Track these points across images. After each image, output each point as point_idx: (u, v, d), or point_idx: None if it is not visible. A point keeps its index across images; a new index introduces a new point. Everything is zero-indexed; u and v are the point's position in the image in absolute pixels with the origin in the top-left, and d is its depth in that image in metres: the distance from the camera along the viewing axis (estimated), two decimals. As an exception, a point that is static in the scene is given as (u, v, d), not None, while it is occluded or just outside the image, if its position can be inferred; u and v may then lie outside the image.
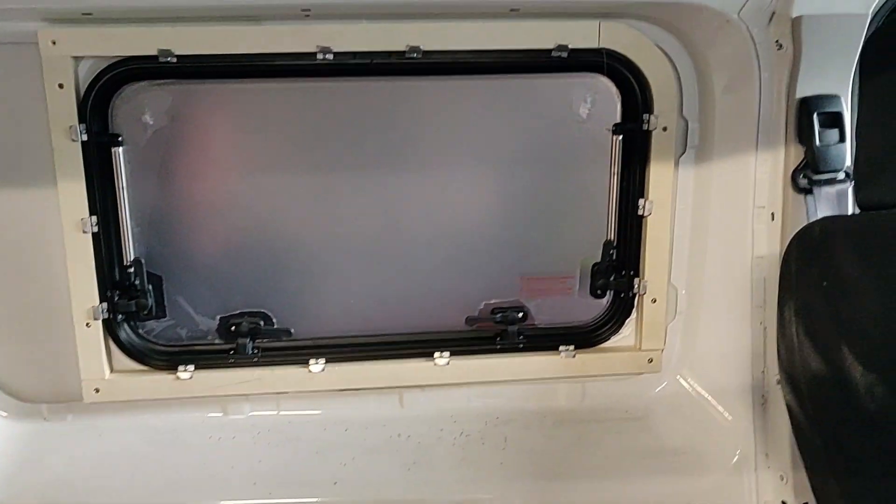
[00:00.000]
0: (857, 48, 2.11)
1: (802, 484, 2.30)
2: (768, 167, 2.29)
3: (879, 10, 2.14)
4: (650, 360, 2.57)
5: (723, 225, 2.43)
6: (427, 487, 2.39)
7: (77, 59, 2.21)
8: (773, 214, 2.30)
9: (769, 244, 2.32)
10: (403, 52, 2.25)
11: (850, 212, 2.20)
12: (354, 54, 2.26)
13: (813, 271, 1.92)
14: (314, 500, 2.36)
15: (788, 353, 2.04)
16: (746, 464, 2.42)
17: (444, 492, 2.39)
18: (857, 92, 2.17)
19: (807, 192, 2.23)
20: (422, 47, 2.25)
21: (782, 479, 2.34)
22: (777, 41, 2.16)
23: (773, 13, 2.13)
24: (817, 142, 2.16)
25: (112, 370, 2.44)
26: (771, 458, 2.38)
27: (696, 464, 2.46)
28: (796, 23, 2.09)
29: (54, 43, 2.17)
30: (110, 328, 2.41)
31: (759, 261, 2.34)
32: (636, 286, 2.52)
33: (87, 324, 2.37)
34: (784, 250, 2.14)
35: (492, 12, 2.24)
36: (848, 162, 2.19)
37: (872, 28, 2.12)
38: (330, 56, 2.24)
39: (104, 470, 2.41)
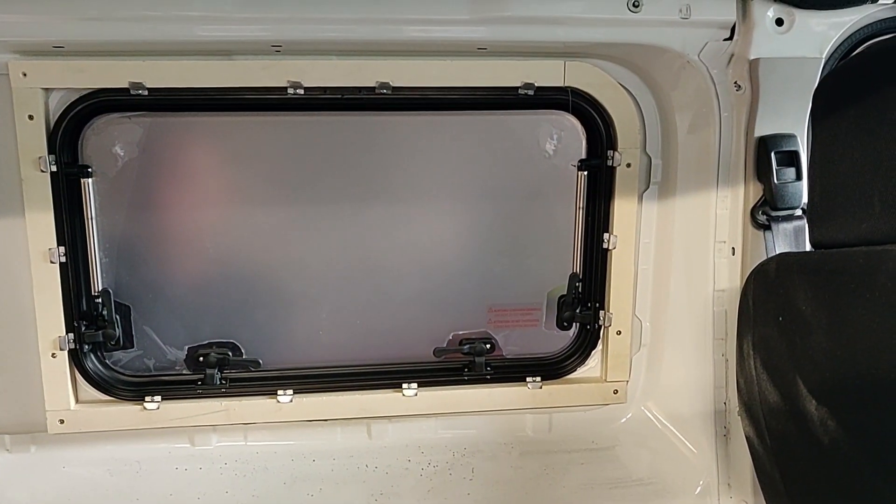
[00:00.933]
0: (812, 89, 2.19)
1: (763, 513, 2.34)
2: (728, 203, 2.35)
3: (832, 54, 2.23)
4: (615, 392, 2.60)
5: (685, 259, 2.48)
6: (394, 519, 2.40)
7: (47, 90, 2.23)
8: (733, 249, 2.36)
9: (730, 278, 2.38)
10: (373, 87, 2.29)
11: (807, 247, 2.27)
12: (325, 89, 2.30)
13: (769, 306, 1.97)
14: (280, 532, 2.36)
15: (748, 386, 2.08)
16: (709, 493, 2.46)
17: (410, 524, 2.40)
18: (809, 132, 2.25)
19: (765, 227, 2.29)
20: (391, 83, 2.29)
21: (744, 509, 2.38)
22: (736, 82, 2.24)
23: (732, 55, 2.21)
24: (775, 179, 2.23)
25: (77, 401, 2.43)
26: (733, 487, 2.42)
27: (661, 493, 2.49)
28: (754, 65, 2.16)
29: (25, 75, 2.18)
30: (76, 358, 2.40)
31: (720, 294, 2.39)
32: (602, 318, 2.56)
33: (53, 354, 2.36)
34: (743, 285, 2.19)
35: (460, 51, 2.29)
36: (805, 199, 2.26)
37: (826, 70, 2.20)
38: (301, 91, 2.28)
39: (68, 502, 2.38)
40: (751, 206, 2.31)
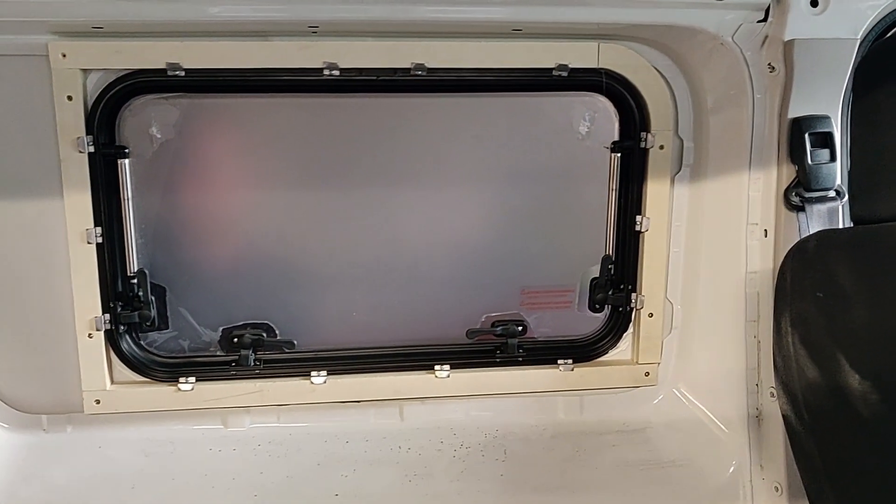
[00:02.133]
0: (847, 71, 2.20)
1: (797, 495, 2.34)
2: (761, 185, 2.36)
3: (867, 34, 2.23)
4: (647, 374, 2.62)
5: (717, 241, 2.49)
6: (428, 499, 2.40)
7: (86, 71, 2.24)
8: (765, 231, 2.36)
9: (762, 260, 2.38)
10: (408, 69, 2.30)
11: (841, 227, 2.27)
12: (360, 70, 2.31)
13: (808, 283, 1.98)
14: (316, 511, 2.37)
15: (785, 364, 2.09)
16: (741, 474, 2.46)
17: (445, 503, 2.40)
18: (849, 111, 2.25)
19: (798, 209, 2.30)
20: (426, 65, 2.30)
21: (777, 490, 2.38)
22: (770, 64, 2.24)
23: (766, 37, 2.21)
24: (809, 161, 2.23)
25: (113, 381, 2.45)
26: (765, 469, 2.43)
27: (693, 475, 2.50)
28: (788, 46, 2.16)
29: (64, 56, 2.19)
30: (112, 339, 2.41)
31: (753, 276, 2.40)
32: (634, 301, 2.57)
33: (90, 335, 2.37)
34: (779, 264, 2.20)
35: (495, 32, 2.31)
36: (838, 180, 2.27)
37: (864, 50, 2.21)
38: (336, 72, 2.29)
39: (104, 482, 2.39)
40: (784, 187, 2.32)
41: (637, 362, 2.62)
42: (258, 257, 2.46)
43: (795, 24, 2.15)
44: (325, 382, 2.49)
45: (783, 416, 2.20)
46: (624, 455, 2.58)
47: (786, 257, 2.12)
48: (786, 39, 2.16)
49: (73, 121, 2.24)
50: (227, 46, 2.24)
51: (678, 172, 2.51)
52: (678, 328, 2.62)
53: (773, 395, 2.36)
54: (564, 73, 2.36)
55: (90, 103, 2.26)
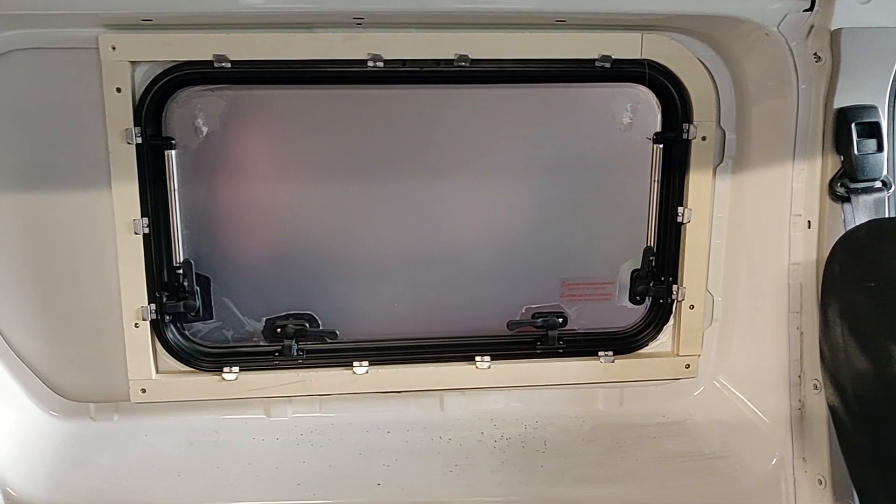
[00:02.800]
0: (895, 60, 2.18)
1: (841, 488, 2.33)
2: (805, 176, 2.34)
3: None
4: (687, 366, 2.61)
5: (759, 233, 2.48)
6: (469, 489, 2.41)
7: (134, 63, 2.27)
8: (809, 222, 2.35)
9: (805, 251, 2.37)
10: (452, 60, 2.31)
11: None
12: (404, 62, 2.32)
13: (858, 273, 1.97)
14: (359, 500, 2.37)
15: (832, 354, 2.07)
16: (784, 467, 2.44)
17: (486, 494, 2.41)
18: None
19: (844, 200, 2.28)
20: (470, 55, 2.31)
21: (820, 484, 2.37)
22: (815, 53, 2.22)
23: (812, 27, 2.20)
24: (855, 151, 2.22)
25: (158, 371, 2.48)
26: (808, 462, 2.41)
27: (734, 467, 2.49)
28: (835, 35, 2.15)
29: (114, 48, 2.22)
30: (158, 329, 2.45)
31: (796, 267, 2.38)
32: (675, 293, 2.56)
33: (136, 324, 2.41)
34: (827, 255, 2.19)
35: (538, 23, 2.31)
36: (885, 170, 2.25)
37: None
38: (380, 63, 2.30)
39: (149, 469, 2.43)
40: (828, 178, 2.30)
41: (678, 354, 2.61)
42: (301, 248, 2.49)
43: (842, 13, 2.14)
44: (366, 373, 2.50)
45: (829, 407, 2.18)
46: (664, 447, 2.57)
47: (834, 247, 2.10)
48: (832, 29, 2.15)
49: (121, 113, 2.27)
50: (272, 38, 2.26)
51: (720, 164, 2.50)
52: (719, 320, 2.61)
53: (816, 388, 2.34)
54: (607, 64, 2.36)
55: (138, 95, 2.29)
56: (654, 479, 2.47)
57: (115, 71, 2.24)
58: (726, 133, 2.47)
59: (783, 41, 2.23)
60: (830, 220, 2.31)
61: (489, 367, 2.54)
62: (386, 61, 2.30)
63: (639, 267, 2.59)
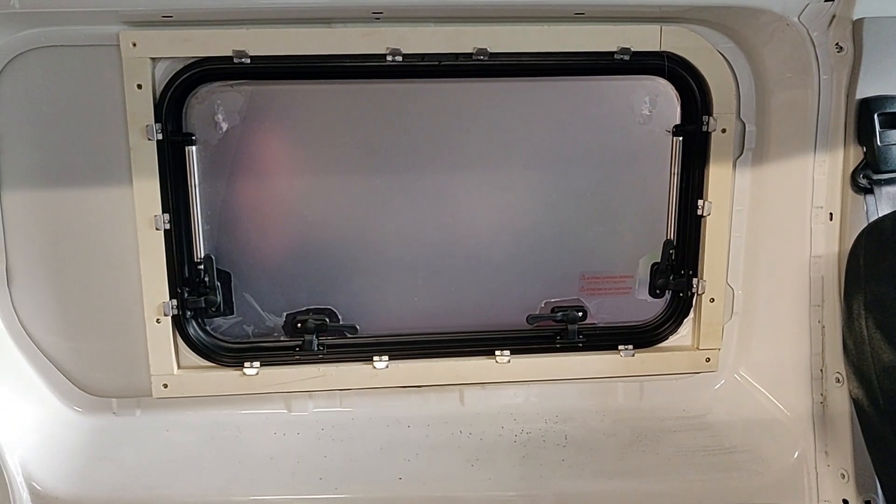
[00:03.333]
0: None
1: (864, 482, 2.32)
2: (826, 168, 2.33)
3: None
4: (707, 360, 2.60)
5: (780, 226, 2.46)
6: (490, 483, 2.41)
7: (155, 60, 2.28)
8: (830, 214, 2.33)
9: (827, 244, 2.35)
10: (471, 53, 2.31)
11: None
12: (423, 56, 2.32)
13: (884, 265, 1.95)
14: (380, 495, 2.37)
15: (857, 347, 2.06)
16: (806, 461, 2.43)
17: (507, 488, 2.40)
18: None
19: (866, 191, 2.26)
20: (489, 49, 2.31)
21: (843, 477, 2.35)
22: (837, 44, 2.20)
23: (834, 16, 2.18)
24: (878, 142, 2.20)
25: (180, 366, 2.49)
26: (831, 455, 2.40)
27: (755, 461, 2.47)
28: (857, 25, 2.13)
29: (134, 45, 2.23)
30: (179, 325, 2.46)
31: (817, 260, 2.37)
32: (695, 286, 2.55)
33: (158, 320, 2.42)
34: (850, 247, 2.17)
35: (557, 16, 2.30)
36: (909, 161, 2.24)
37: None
38: (399, 58, 2.30)
39: (171, 464, 2.44)
40: (850, 169, 2.28)
41: (698, 348, 2.60)
42: (321, 243, 2.49)
43: (865, 3, 2.12)
44: (386, 367, 2.51)
45: (854, 400, 2.17)
46: (685, 441, 2.56)
47: (858, 239, 2.09)
48: (855, 18, 2.13)
49: (142, 109, 2.28)
50: (291, 33, 2.27)
51: (740, 156, 2.49)
52: (739, 314, 2.60)
53: (838, 381, 2.33)
54: (626, 57, 2.35)
55: (158, 91, 2.30)
56: (675, 473, 2.46)
57: (135, 67, 2.25)
58: (746, 125, 2.46)
59: (804, 32, 2.21)
60: (853, 211, 2.30)
61: (509, 362, 2.54)
62: (405, 56, 2.30)
63: (658, 260, 2.58)
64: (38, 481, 2.32)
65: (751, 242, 2.55)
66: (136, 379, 2.49)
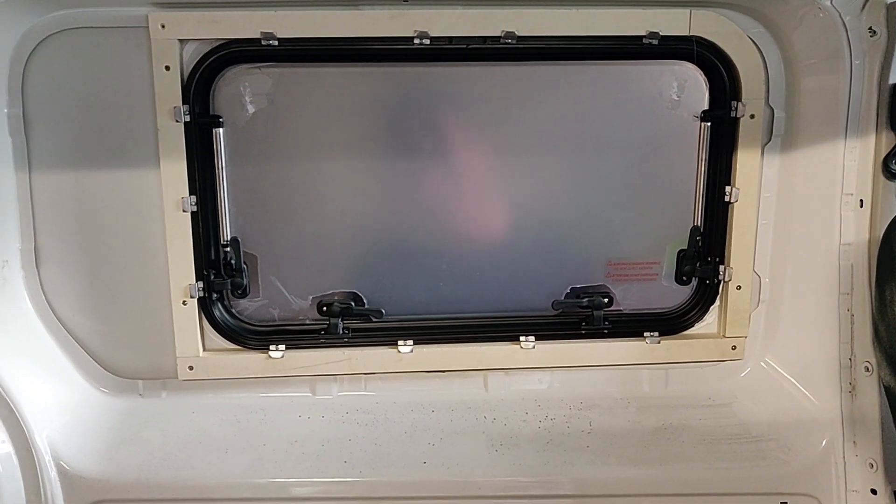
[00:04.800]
0: None
1: (893, 471, 2.30)
2: (857, 154, 2.30)
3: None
4: (734, 348, 2.58)
5: (808, 213, 2.44)
6: (514, 469, 2.40)
7: (183, 41, 2.28)
8: (861, 201, 2.31)
9: (857, 231, 2.33)
10: (498, 37, 2.30)
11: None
12: (450, 39, 2.31)
13: (918, 250, 1.94)
14: (405, 479, 2.37)
15: (890, 334, 2.04)
16: (833, 451, 2.41)
17: (531, 474, 2.40)
18: None
19: (899, 178, 2.24)
20: (517, 32, 2.29)
21: (871, 467, 2.33)
22: (870, 28, 2.18)
23: (867, 0, 2.16)
24: (912, 128, 2.18)
25: (205, 349, 2.50)
26: (859, 445, 2.37)
27: (782, 449, 2.45)
28: (892, 9, 2.11)
29: (163, 26, 2.24)
30: (205, 307, 2.46)
31: (847, 248, 2.35)
32: (722, 273, 2.53)
33: (184, 302, 2.43)
34: (882, 234, 2.15)
35: (586, -1, 2.30)
36: (942, 148, 2.21)
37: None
38: (427, 41, 2.29)
39: (197, 446, 2.45)
40: (882, 156, 2.26)
41: (724, 335, 2.58)
42: (347, 226, 2.48)
43: (900, -14, 2.10)
44: (411, 352, 2.51)
45: (886, 388, 2.15)
46: (710, 429, 2.54)
47: (890, 225, 2.07)
48: (889, 1, 2.11)
49: (170, 91, 2.29)
50: (319, 15, 2.26)
51: (768, 142, 2.46)
52: (766, 301, 2.58)
53: (868, 370, 2.31)
54: (655, 41, 2.33)
55: (186, 73, 2.30)
56: (701, 461, 2.44)
57: (164, 49, 2.26)
58: (775, 111, 2.43)
59: (836, 15, 2.19)
60: (884, 198, 2.28)
61: (534, 347, 2.53)
62: (432, 39, 2.29)
63: (685, 247, 2.56)
64: (66, 461, 2.34)
65: (778, 229, 2.53)
66: (161, 361, 2.50)
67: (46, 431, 2.34)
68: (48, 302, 2.46)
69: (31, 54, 2.28)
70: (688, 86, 2.45)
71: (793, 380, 2.55)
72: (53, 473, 2.32)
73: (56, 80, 2.31)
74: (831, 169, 2.35)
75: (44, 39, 2.27)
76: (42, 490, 2.31)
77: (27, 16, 2.24)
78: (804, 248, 2.47)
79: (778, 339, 2.59)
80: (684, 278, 2.58)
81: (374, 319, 2.53)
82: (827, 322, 2.42)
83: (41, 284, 2.45)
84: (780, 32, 2.36)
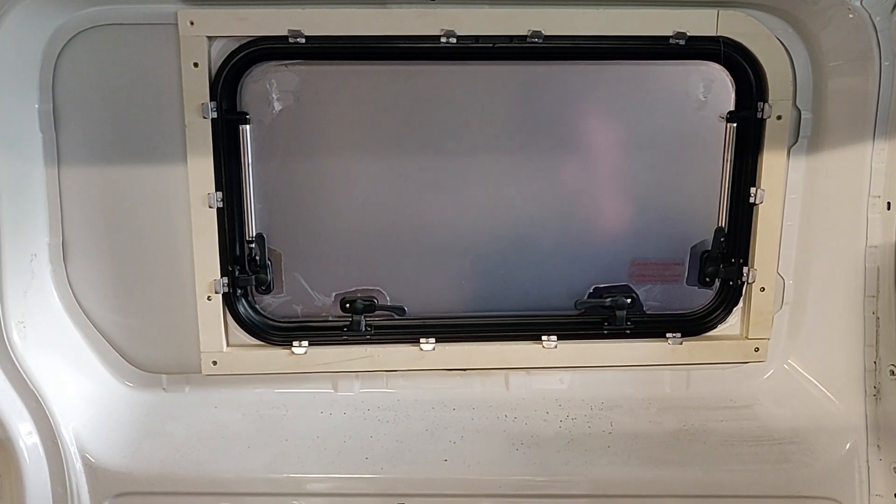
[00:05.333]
0: None
1: (917, 476, 2.28)
2: (885, 156, 2.29)
3: None
4: (756, 350, 2.57)
5: (834, 215, 2.43)
6: (534, 468, 2.40)
7: (211, 39, 2.30)
8: (888, 204, 2.29)
9: (884, 233, 2.31)
10: (525, 36, 2.30)
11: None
12: (477, 38, 2.31)
13: (948, 253, 1.92)
14: (425, 476, 2.38)
15: (916, 337, 2.03)
16: (857, 455, 2.40)
17: (552, 473, 2.39)
18: None
19: (927, 180, 2.22)
20: (543, 32, 2.29)
21: (896, 472, 2.33)
22: None
23: (898, 1, 2.14)
24: (941, 130, 2.16)
25: (229, 344, 2.52)
26: (883, 449, 2.36)
27: (805, 452, 2.43)
28: (923, 9, 2.09)
29: (192, 23, 2.26)
30: (229, 302, 2.48)
31: (873, 250, 2.33)
32: (745, 275, 2.52)
33: (209, 297, 2.44)
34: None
35: (613, -2, 2.29)
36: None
37: None
38: (453, 39, 2.30)
39: (219, 441, 2.46)
40: None
41: (747, 337, 2.57)
42: (371, 224, 2.50)
43: (931, -14, 2.08)
44: (433, 349, 2.52)
45: (912, 390, 2.13)
46: (732, 431, 2.53)
47: (919, 228, 2.06)
48: (920, 2, 2.09)
49: (198, 87, 2.30)
50: (346, 14, 2.27)
51: (794, 144, 2.45)
52: (790, 304, 2.57)
53: (893, 373, 2.29)
54: (682, 42, 2.33)
55: (214, 70, 2.32)
56: (722, 463, 2.43)
57: (192, 46, 2.28)
58: (802, 112, 2.42)
59: (866, 16, 2.18)
60: None
61: (555, 347, 2.54)
62: (459, 37, 2.30)
63: (709, 248, 2.55)
64: (91, 453, 2.36)
65: (803, 231, 2.51)
66: (185, 356, 2.52)
67: (72, 424, 2.36)
68: (75, 296, 2.49)
69: (61, 51, 2.30)
70: (714, 86, 2.44)
71: (816, 382, 2.54)
72: (79, 465, 2.35)
73: (86, 76, 2.34)
74: (858, 171, 2.33)
75: (74, 36, 2.30)
76: (67, 481, 2.33)
77: (58, 13, 2.26)
78: (829, 250, 2.46)
79: (801, 342, 2.58)
80: (707, 279, 2.58)
81: (397, 317, 2.54)
82: (851, 325, 2.40)
83: (68, 279, 2.47)
84: (808, 33, 2.35)
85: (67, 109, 2.35)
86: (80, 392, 2.45)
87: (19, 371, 2.28)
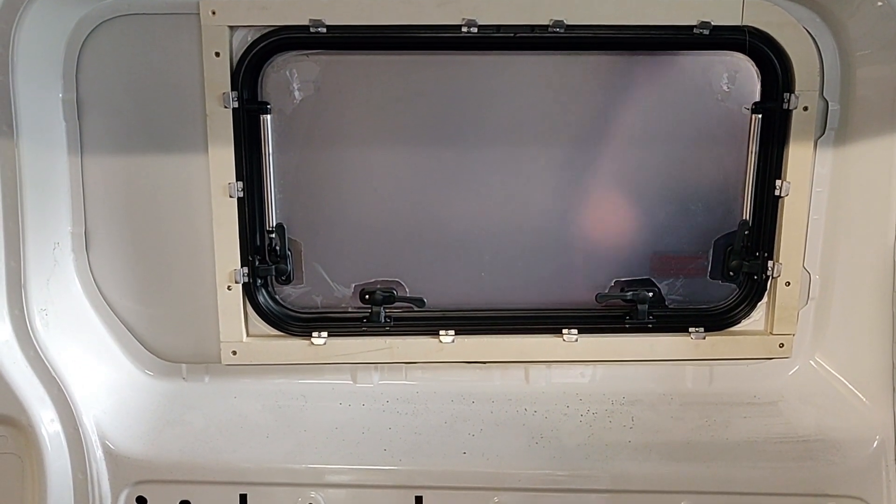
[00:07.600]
0: None
1: (946, 475, 2.23)
2: None
3: None
4: (781, 345, 2.53)
5: (862, 208, 2.38)
6: (554, 462, 2.38)
7: (233, 28, 2.30)
8: None
9: None
10: (547, 25, 2.28)
11: None
12: (498, 27, 2.30)
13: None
14: (444, 468, 2.36)
15: (947, 332, 1.98)
16: (885, 452, 2.34)
17: (571, 468, 2.37)
18: None
19: (958, 172, 2.18)
20: (566, 21, 2.27)
21: (925, 470, 2.27)
22: None
23: (928, -13, 2.10)
24: (973, 120, 2.11)
25: (248, 334, 2.52)
26: (912, 447, 2.32)
27: (831, 450, 2.39)
28: (954, -3, 2.05)
29: (214, 13, 2.26)
30: (249, 292, 2.49)
31: None
32: (770, 269, 2.48)
33: (229, 287, 2.45)
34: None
35: (636, -13, 2.27)
36: None
37: None
38: (475, 29, 2.29)
39: (238, 430, 2.47)
40: None
41: (771, 333, 2.53)
42: (391, 215, 2.49)
43: (962, -27, 2.04)
44: (452, 342, 2.51)
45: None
46: (756, 428, 2.49)
47: (949, 221, 2.01)
48: (950, -11, 2.05)
49: (219, 77, 2.31)
50: (367, 3, 2.27)
51: (821, 136, 2.41)
52: (815, 299, 2.53)
53: (928, 367, 2.25)
54: (706, 31, 2.30)
55: (235, 60, 2.32)
56: (745, 459, 2.39)
57: (214, 35, 2.28)
58: (829, 104, 2.38)
59: (895, 3, 2.13)
60: None
61: (576, 340, 2.51)
62: (480, 27, 2.29)
63: (733, 241, 2.52)
64: (111, 440, 2.37)
65: (830, 225, 2.47)
66: (205, 345, 2.53)
67: (93, 412, 2.38)
68: (97, 284, 2.50)
69: (85, 41, 2.32)
70: (739, 77, 2.41)
71: (843, 379, 2.49)
72: (99, 453, 2.36)
73: (109, 65, 2.35)
74: (887, 163, 2.29)
75: (97, 26, 2.31)
76: (88, 468, 2.34)
77: (82, 3, 2.28)
78: (857, 244, 2.41)
79: (828, 338, 2.54)
80: (731, 273, 2.54)
81: (417, 308, 2.54)
82: (879, 321, 2.35)
83: (90, 267, 2.49)
84: (835, 22, 2.30)
85: (90, 99, 2.36)
86: (101, 380, 2.46)
87: (42, 358, 2.30)
